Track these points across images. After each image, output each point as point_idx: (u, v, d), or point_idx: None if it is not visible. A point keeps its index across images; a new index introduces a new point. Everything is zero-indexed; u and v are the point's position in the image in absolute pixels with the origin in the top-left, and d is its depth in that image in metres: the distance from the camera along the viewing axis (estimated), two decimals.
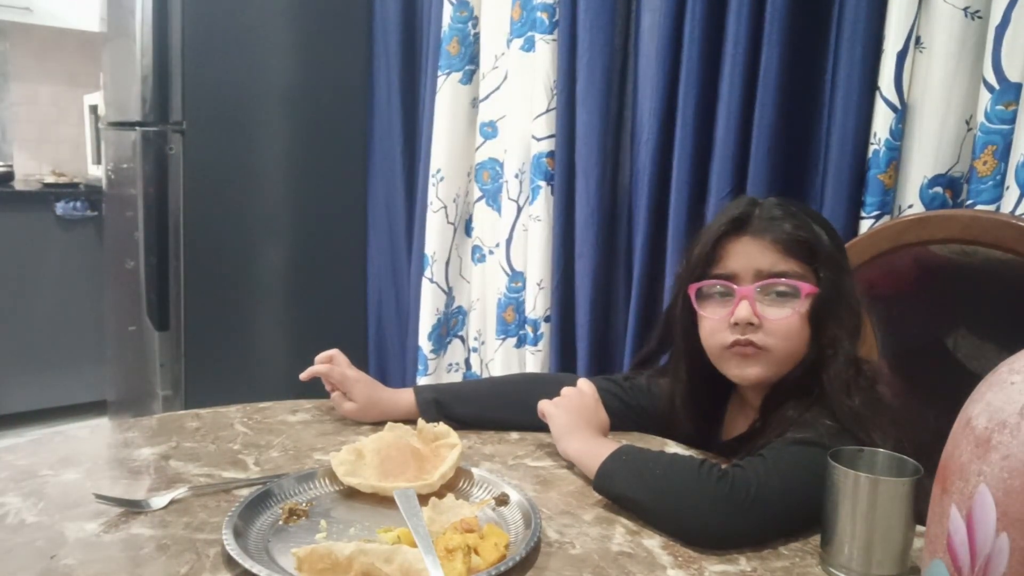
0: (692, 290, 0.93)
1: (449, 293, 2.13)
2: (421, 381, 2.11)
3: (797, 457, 0.78)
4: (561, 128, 1.79)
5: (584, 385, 0.98)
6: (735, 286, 0.89)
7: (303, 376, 1.05)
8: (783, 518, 0.76)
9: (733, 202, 0.96)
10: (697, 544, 0.73)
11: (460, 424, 0.96)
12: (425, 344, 2.10)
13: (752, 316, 0.87)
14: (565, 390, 0.98)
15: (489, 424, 1.03)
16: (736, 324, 0.88)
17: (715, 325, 0.91)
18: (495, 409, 1.05)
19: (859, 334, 0.90)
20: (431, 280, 2.09)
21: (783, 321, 0.87)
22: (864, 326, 0.94)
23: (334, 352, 1.06)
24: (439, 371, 2.14)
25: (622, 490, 0.79)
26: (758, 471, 0.76)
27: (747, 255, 0.90)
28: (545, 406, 0.96)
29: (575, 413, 0.94)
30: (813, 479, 0.72)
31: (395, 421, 0.93)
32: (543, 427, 0.96)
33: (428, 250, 2.09)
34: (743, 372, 0.91)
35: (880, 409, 0.85)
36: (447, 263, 2.10)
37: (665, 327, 1.02)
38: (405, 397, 1.04)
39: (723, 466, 0.78)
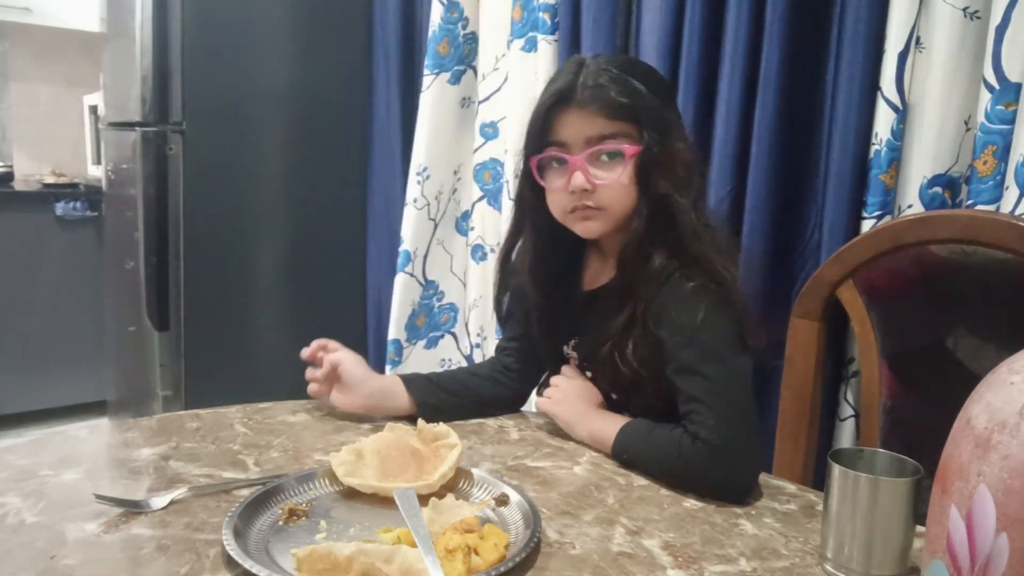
0: (533, 163, 1.00)
1: (430, 287, 2.15)
2: (391, 370, 2.14)
3: (709, 356, 0.90)
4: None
5: (567, 371, 1.05)
6: (568, 156, 0.97)
7: (306, 354, 1.07)
8: (750, 412, 0.90)
9: (559, 71, 1.02)
10: (725, 499, 0.83)
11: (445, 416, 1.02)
12: (402, 335, 2.14)
13: (585, 183, 0.96)
14: (555, 380, 1.04)
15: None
16: (573, 192, 0.97)
17: (557, 194, 0.99)
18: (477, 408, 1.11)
19: (694, 184, 0.99)
20: (410, 274, 2.12)
21: (613, 181, 0.96)
22: (701, 176, 1.05)
23: (327, 342, 1.08)
24: (417, 360, 2.17)
25: (636, 465, 0.91)
26: (712, 410, 0.87)
27: (575, 125, 0.96)
28: (545, 407, 1.02)
29: (573, 402, 1.01)
30: (730, 347, 0.92)
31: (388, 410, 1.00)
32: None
33: (410, 247, 2.12)
34: (586, 228, 1.00)
35: (723, 250, 0.99)
36: (425, 257, 2.13)
37: (517, 207, 1.09)
38: (399, 387, 1.06)
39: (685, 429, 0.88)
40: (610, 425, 0.95)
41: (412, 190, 2.10)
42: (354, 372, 1.04)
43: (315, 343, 1.07)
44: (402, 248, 2.12)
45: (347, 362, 1.04)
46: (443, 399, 1.07)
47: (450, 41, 2.02)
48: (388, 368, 2.16)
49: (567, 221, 1.01)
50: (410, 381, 1.07)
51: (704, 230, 0.98)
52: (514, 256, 1.11)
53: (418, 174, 2.08)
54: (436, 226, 2.13)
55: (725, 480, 0.84)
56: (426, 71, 2.05)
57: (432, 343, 2.21)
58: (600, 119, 0.95)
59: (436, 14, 2.02)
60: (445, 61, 2.03)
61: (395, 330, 2.14)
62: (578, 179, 0.96)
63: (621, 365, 0.98)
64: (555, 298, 1.08)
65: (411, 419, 1.01)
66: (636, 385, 0.98)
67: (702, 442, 0.85)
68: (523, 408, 1.16)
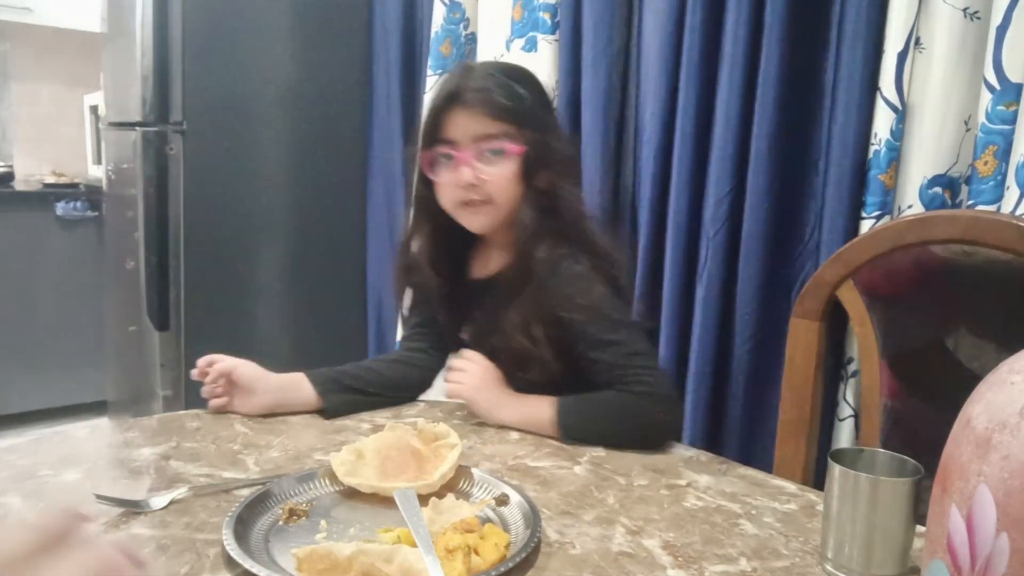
0: (424, 159, 1.08)
1: None
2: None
3: (615, 325, 1.02)
4: (563, 128, 1.79)
5: (471, 355, 1.08)
6: (456, 152, 1.05)
7: (197, 375, 1.05)
8: (657, 361, 1.05)
9: (447, 75, 1.11)
10: (668, 438, 0.98)
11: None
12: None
13: (472, 178, 1.04)
14: (460, 364, 1.07)
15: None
16: (461, 186, 1.05)
17: (446, 187, 1.07)
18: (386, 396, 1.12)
19: (575, 176, 1.13)
20: None
21: (499, 177, 1.05)
22: (578, 170, 1.16)
23: (214, 357, 1.06)
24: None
25: (588, 435, 0.98)
26: (639, 367, 0.98)
27: (463, 124, 1.05)
28: (461, 392, 1.05)
29: (487, 386, 1.05)
30: (625, 314, 1.06)
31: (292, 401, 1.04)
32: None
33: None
34: (474, 222, 1.09)
35: (604, 234, 1.10)
36: None
37: (416, 202, 1.15)
38: (303, 380, 1.07)
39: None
40: (541, 405, 1.01)
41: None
42: (251, 374, 1.04)
43: (202, 360, 1.05)
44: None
45: (240, 367, 1.04)
46: (347, 387, 1.08)
47: (452, 41, 2.02)
48: None
49: (457, 214, 1.09)
50: (313, 373, 1.08)
51: (586, 218, 1.10)
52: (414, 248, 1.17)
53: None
54: None
55: (671, 421, 0.99)
56: (429, 71, 2.04)
57: None
58: (485, 119, 1.04)
59: (438, 14, 2.02)
60: (448, 62, 2.03)
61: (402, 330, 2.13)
62: (465, 174, 1.04)
63: (516, 347, 1.04)
64: (452, 285, 1.15)
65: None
66: (525, 365, 1.04)
67: (644, 395, 0.97)
68: (429, 396, 1.18)
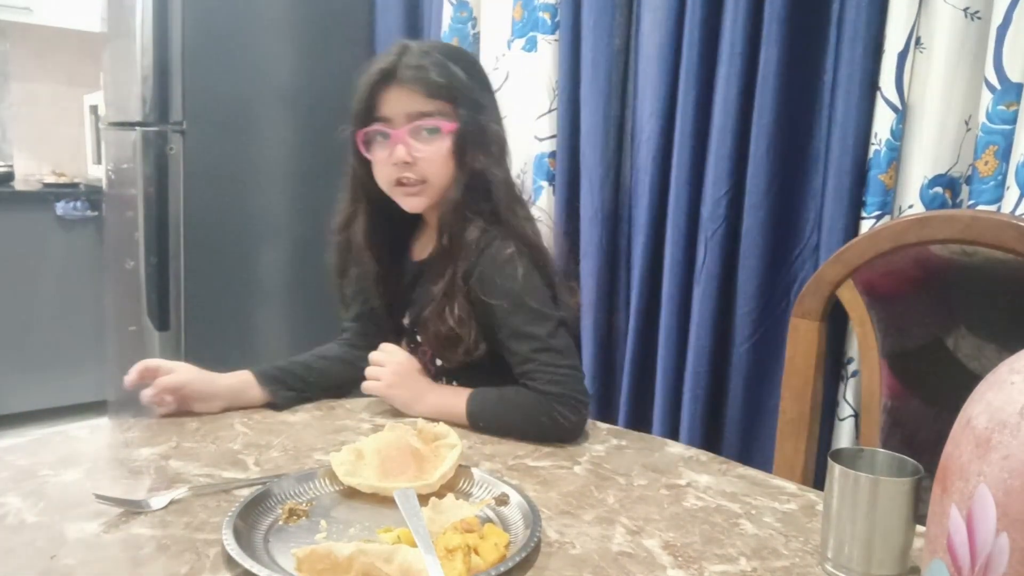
0: (359, 137, 1.08)
1: None
2: None
3: (535, 317, 1.03)
4: (563, 128, 1.79)
5: (388, 348, 1.08)
6: (391, 130, 1.05)
7: (130, 382, 1.04)
8: (574, 357, 1.04)
9: (382, 53, 1.09)
10: (572, 437, 0.99)
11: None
12: None
13: (407, 155, 1.04)
14: (377, 359, 1.06)
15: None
16: (396, 164, 1.05)
17: (381, 166, 1.07)
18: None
19: (506, 161, 1.12)
20: None
21: (433, 155, 1.05)
22: (507, 148, 1.14)
23: (148, 363, 1.05)
24: None
25: (493, 428, 0.99)
26: (547, 365, 1.00)
27: (398, 101, 1.05)
28: (379, 391, 1.05)
29: (406, 382, 1.05)
30: (548, 304, 1.04)
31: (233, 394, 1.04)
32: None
33: None
34: (411, 203, 1.09)
35: (532, 220, 1.13)
36: None
37: (351, 182, 1.15)
38: (251, 380, 1.07)
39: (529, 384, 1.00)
40: (454, 397, 1.03)
41: None
42: (201, 388, 1.03)
43: (136, 369, 1.04)
44: None
45: (191, 383, 1.03)
46: (296, 384, 1.09)
47: (460, 41, 2.02)
48: None
49: (393, 194, 1.09)
50: (261, 372, 1.08)
51: (518, 203, 1.11)
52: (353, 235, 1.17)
53: None
54: None
55: (575, 422, 0.98)
56: None
57: None
58: (420, 97, 1.04)
59: (447, 14, 2.01)
60: None
61: None
62: (400, 151, 1.04)
63: (441, 326, 1.05)
64: (390, 268, 1.16)
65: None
66: (455, 345, 1.06)
67: (550, 395, 0.98)
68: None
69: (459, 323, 1.05)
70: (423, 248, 1.16)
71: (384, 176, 1.08)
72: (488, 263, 1.05)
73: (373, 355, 1.07)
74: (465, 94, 1.07)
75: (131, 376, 1.04)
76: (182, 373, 1.04)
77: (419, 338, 1.14)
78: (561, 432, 0.98)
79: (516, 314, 1.03)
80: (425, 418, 1.00)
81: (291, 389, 1.08)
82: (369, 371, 1.06)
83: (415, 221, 1.17)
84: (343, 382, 1.15)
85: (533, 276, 1.05)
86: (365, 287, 1.18)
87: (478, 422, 1.00)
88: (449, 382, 1.11)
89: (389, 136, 1.06)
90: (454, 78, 1.06)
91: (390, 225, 1.16)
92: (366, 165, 1.10)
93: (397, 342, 1.13)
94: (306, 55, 2.27)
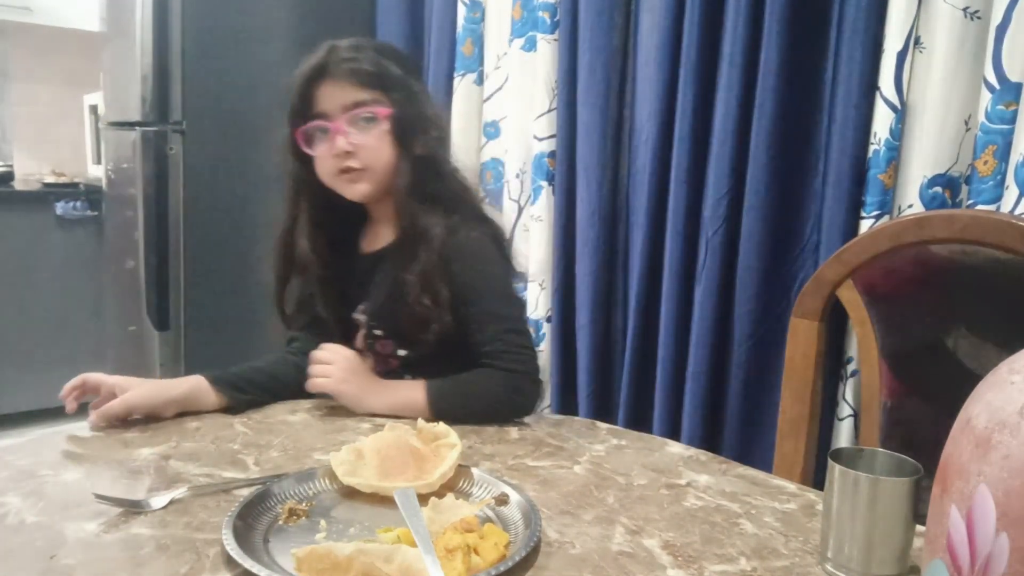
0: (299, 134, 1.11)
1: None
2: None
3: (504, 299, 1.09)
4: (562, 128, 1.79)
5: (332, 347, 1.07)
6: (329, 124, 1.08)
7: (67, 398, 1.01)
8: (530, 336, 1.10)
9: (314, 51, 1.12)
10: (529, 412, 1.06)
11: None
12: None
13: (347, 145, 1.07)
14: (322, 357, 1.06)
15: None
16: (337, 155, 1.07)
17: (323, 159, 1.10)
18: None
19: (445, 141, 1.15)
20: None
21: (372, 141, 1.08)
22: (448, 133, 1.18)
23: (84, 380, 1.02)
24: None
25: (457, 413, 1.00)
26: (515, 346, 1.06)
27: (332, 95, 1.08)
28: (328, 387, 1.04)
29: (354, 376, 1.05)
30: (512, 286, 1.11)
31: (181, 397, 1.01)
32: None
33: None
34: (354, 191, 1.11)
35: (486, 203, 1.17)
36: None
37: (291, 183, 1.17)
38: (206, 386, 1.05)
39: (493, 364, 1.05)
40: (409, 389, 1.05)
41: None
42: (149, 401, 1.00)
43: (71, 385, 1.01)
44: None
45: (135, 403, 0.99)
46: (250, 389, 1.08)
47: (474, 41, 2.01)
48: None
49: (336, 185, 1.11)
50: (215, 378, 1.06)
51: (469, 188, 1.16)
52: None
53: None
54: None
55: (533, 401, 1.06)
56: (455, 73, 2.03)
57: None
58: (353, 88, 1.08)
59: (460, 15, 2.01)
60: (470, 62, 2.01)
61: None
62: (340, 142, 1.07)
63: (417, 308, 1.07)
64: (337, 267, 1.17)
65: (416, 421, 1.02)
66: (426, 327, 1.07)
67: (515, 373, 1.04)
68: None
69: (435, 304, 1.07)
70: (373, 242, 1.18)
71: (326, 169, 1.11)
72: (460, 246, 1.08)
73: (317, 354, 1.07)
74: (397, 82, 1.10)
75: (66, 394, 1.00)
76: (130, 398, 0.98)
77: (377, 331, 1.14)
78: (522, 409, 1.05)
79: (488, 295, 1.08)
80: (377, 413, 1.03)
81: (246, 393, 1.07)
82: (316, 369, 1.06)
83: (359, 219, 1.19)
84: (299, 387, 1.12)
85: (499, 259, 1.12)
86: (311, 294, 1.18)
87: (442, 409, 1.02)
88: (407, 376, 1.12)
89: (328, 130, 1.08)
90: (383, 66, 1.10)
91: (333, 224, 1.17)
92: (307, 164, 1.13)
93: (349, 344, 1.12)
94: (306, 55, 2.26)
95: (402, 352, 1.13)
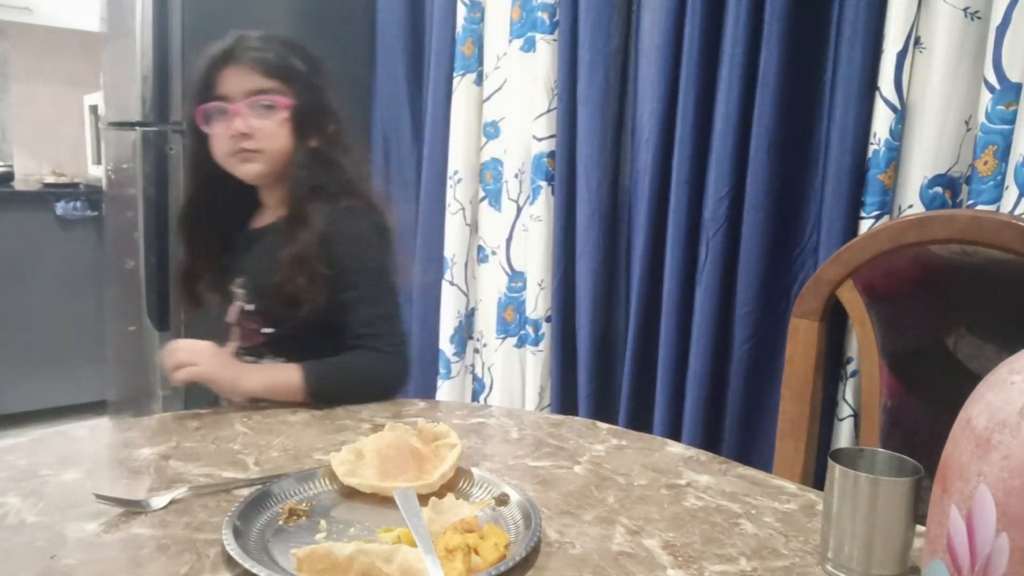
0: (198, 113, 1.15)
1: (467, 295, 2.12)
2: (442, 384, 2.11)
3: (380, 287, 1.14)
4: (562, 128, 1.79)
5: (181, 341, 1.09)
6: (229, 105, 1.12)
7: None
8: (402, 321, 1.17)
9: (223, 39, 1.17)
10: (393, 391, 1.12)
11: None
12: (447, 347, 2.10)
13: (244, 127, 1.12)
14: (185, 346, 1.08)
15: None
16: (234, 136, 1.12)
17: (220, 139, 1.14)
18: None
19: (341, 136, 1.19)
20: (451, 283, 2.08)
21: (270, 128, 1.13)
22: (347, 129, 1.22)
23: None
24: (463, 374, 2.13)
25: (332, 395, 1.06)
26: (387, 332, 1.12)
27: (236, 80, 1.13)
28: (198, 374, 1.06)
29: (222, 361, 1.09)
30: (391, 275, 1.16)
31: None
32: None
33: (448, 252, 2.08)
34: (247, 171, 1.16)
35: (380, 195, 1.21)
36: (465, 265, 2.09)
37: (190, 162, 1.23)
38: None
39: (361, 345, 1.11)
40: (283, 371, 1.08)
41: (447, 195, 2.08)
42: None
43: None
44: (444, 254, 2.09)
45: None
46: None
47: (474, 41, 2.01)
48: (440, 382, 2.13)
49: (229, 164, 1.16)
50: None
51: (365, 178, 1.21)
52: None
53: (451, 177, 2.06)
54: (471, 231, 2.09)
55: (402, 383, 1.12)
56: (454, 73, 2.03)
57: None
58: (256, 76, 1.13)
59: (460, 15, 2.01)
60: (470, 62, 2.01)
61: (444, 341, 2.11)
62: (238, 123, 1.12)
63: (290, 285, 1.10)
64: (224, 239, 1.23)
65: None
66: (298, 304, 1.10)
67: (389, 357, 1.11)
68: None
69: (309, 285, 1.10)
70: (259, 218, 1.23)
71: (222, 148, 1.15)
72: (341, 231, 1.13)
73: (174, 346, 1.08)
74: (300, 75, 1.16)
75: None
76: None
77: (249, 306, 1.18)
78: (391, 391, 1.11)
79: (365, 281, 1.13)
80: (253, 396, 1.06)
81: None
82: (180, 359, 1.06)
83: (253, 201, 1.23)
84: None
85: (381, 247, 1.17)
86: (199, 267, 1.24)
87: (318, 390, 1.06)
88: (269, 354, 1.16)
89: (227, 111, 1.13)
90: (287, 59, 1.16)
91: (227, 198, 1.22)
92: (204, 142, 1.17)
93: (222, 312, 1.21)
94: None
95: (268, 330, 1.17)
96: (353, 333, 1.12)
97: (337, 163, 1.17)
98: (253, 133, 1.13)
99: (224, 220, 1.23)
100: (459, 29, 2.01)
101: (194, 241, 1.24)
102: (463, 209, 2.05)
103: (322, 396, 1.06)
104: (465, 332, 2.13)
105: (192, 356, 1.07)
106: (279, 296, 1.12)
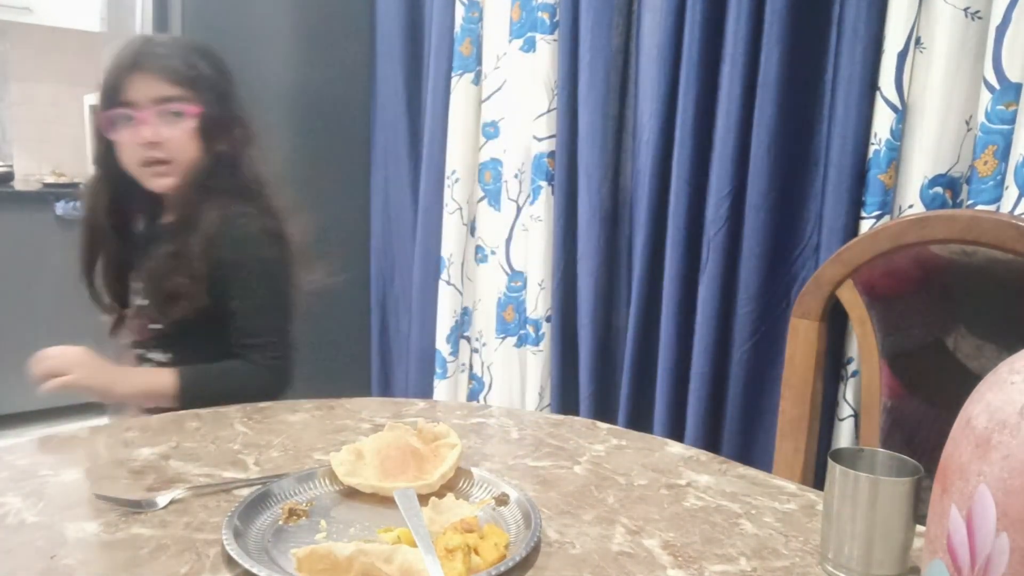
0: (104, 119, 1.14)
1: (462, 294, 2.12)
2: (438, 384, 2.11)
3: (269, 296, 1.15)
4: (562, 128, 1.79)
5: (50, 350, 1.12)
6: (136, 113, 1.12)
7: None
8: (291, 334, 1.18)
9: (128, 43, 1.16)
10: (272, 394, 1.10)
11: None
12: (444, 347, 2.10)
13: (152, 136, 1.12)
14: (56, 353, 1.10)
15: None
16: (142, 145, 1.12)
17: (127, 147, 1.14)
18: None
19: (251, 143, 1.21)
20: (448, 283, 2.08)
21: (178, 136, 1.13)
22: (253, 134, 1.22)
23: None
24: (456, 373, 2.13)
25: (205, 401, 1.03)
26: (273, 345, 1.14)
27: (143, 87, 1.12)
28: (72, 382, 1.09)
29: (95, 366, 1.11)
30: (283, 285, 1.17)
31: None
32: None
33: (445, 252, 2.08)
34: (159, 184, 1.16)
35: (281, 203, 1.22)
36: (462, 264, 2.09)
37: (97, 166, 1.21)
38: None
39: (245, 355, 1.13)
40: (157, 375, 1.13)
41: (444, 195, 2.08)
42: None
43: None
44: (441, 254, 2.09)
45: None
46: None
47: (472, 41, 2.01)
48: (436, 381, 2.12)
49: (140, 175, 1.16)
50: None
51: (268, 184, 1.21)
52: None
53: (448, 177, 2.06)
54: (468, 231, 2.10)
55: (281, 393, 1.12)
56: (452, 73, 2.03)
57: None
58: (164, 84, 1.12)
59: (459, 15, 2.01)
60: (468, 62, 2.01)
61: (440, 341, 2.11)
62: (145, 131, 1.12)
63: (167, 282, 1.12)
64: (126, 238, 1.24)
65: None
66: (177, 301, 1.12)
67: (268, 369, 1.12)
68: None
69: (191, 283, 1.11)
70: (162, 219, 1.24)
71: (130, 157, 1.15)
72: (233, 235, 1.14)
73: (43, 355, 1.10)
74: (208, 83, 1.16)
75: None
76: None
77: (141, 302, 1.20)
78: (272, 392, 1.11)
79: (255, 290, 1.14)
80: (126, 399, 1.09)
81: None
82: (50, 367, 1.08)
83: (155, 201, 1.23)
84: None
85: (276, 255, 1.17)
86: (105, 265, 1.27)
87: (190, 397, 1.08)
88: (155, 351, 1.19)
89: (134, 119, 1.12)
90: (196, 68, 1.15)
91: (131, 200, 1.23)
92: (110, 147, 1.17)
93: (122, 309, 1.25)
94: (306, 55, 2.27)
95: (155, 326, 1.18)
96: (238, 341, 1.13)
97: (239, 168, 1.18)
98: (162, 143, 1.13)
99: (127, 218, 1.24)
100: (457, 29, 2.01)
101: (96, 239, 1.25)
102: (460, 209, 2.05)
103: (193, 404, 1.05)
104: (460, 332, 2.13)
105: (62, 364, 1.08)
106: (159, 292, 1.13)
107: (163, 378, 1.10)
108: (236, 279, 1.13)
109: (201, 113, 1.15)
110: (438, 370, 2.11)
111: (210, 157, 1.16)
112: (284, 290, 1.18)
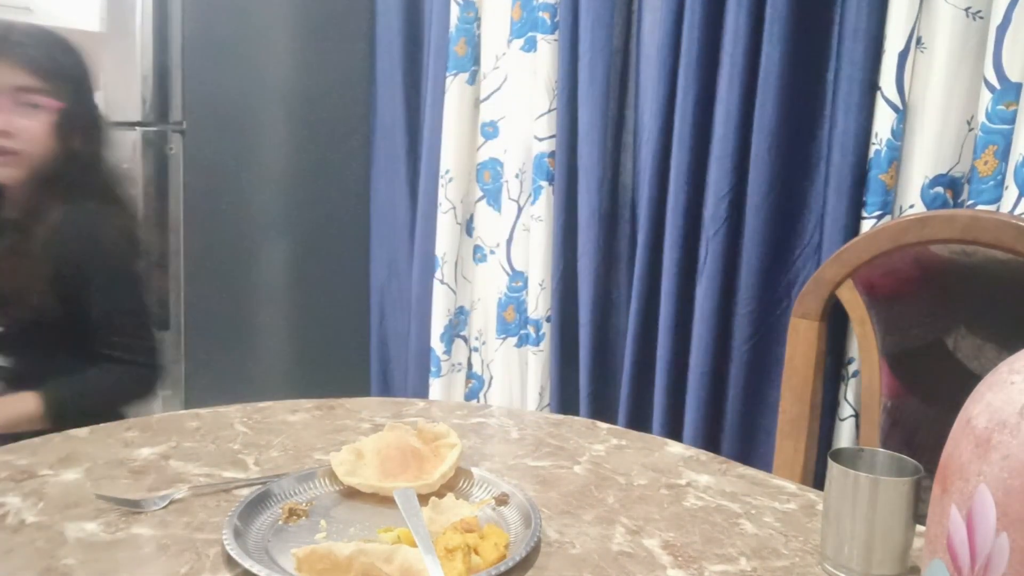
0: None
1: (456, 293, 2.12)
2: (433, 383, 2.11)
3: (131, 296, 1.14)
4: (562, 128, 1.79)
5: None
6: None
7: None
8: (153, 329, 1.17)
9: None
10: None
11: None
12: (438, 346, 2.10)
13: (3, 124, 1.08)
14: None
15: None
16: None
17: None
18: None
19: (105, 140, 1.20)
20: (441, 281, 2.08)
21: (33, 128, 1.10)
22: (110, 135, 1.23)
23: None
24: (451, 373, 2.13)
25: (76, 417, 0.97)
26: (139, 346, 1.12)
27: (1, 74, 1.09)
28: None
29: None
30: (140, 283, 1.15)
31: None
32: None
33: (439, 251, 2.08)
34: (3, 174, 1.11)
35: (132, 201, 1.23)
36: (456, 264, 2.09)
37: None
38: None
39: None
40: (22, 400, 1.07)
41: (438, 194, 2.08)
42: None
43: None
44: (435, 253, 2.09)
45: None
46: None
47: (467, 41, 2.01)
48: (431, 380, 2.13)
49: None
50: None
51: (123, 185, 1.22)
52: None
53: (442, 177, 2.06)
54: (462, 230, 2.09)
55: (152, 389, 1.13)
56: (447, 73, 2.03)
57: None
58: (23, 73, 1.09)
59: (454, 15, 2.01)
60: (463, 62, 2.01)
61: (434, 339, 2.11)
62: None
63: (5, 284, 1.09)
64: None
65: None
66: (18, 306, 1.09)
67: (139, 369, 1.12)
68: None
69: (31, 279, 1.08)
70: (6, 214, 1.20)
71: None
72: (88, 237, 1.11)
73: None
74: (68, 76, 1.14)
75: None
76: None
77: None
78: (142, 400, 1.13)
79: (114, 290, 1.12)
80: None
81: None
82: None
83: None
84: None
85: (127, 249, 1.16)
86: None
87: (59, 417, 1.04)
88: (2, 354, 1.15)
89: None
90: (55, 61, 1.13)
91: None
92: None
93: None
94: (306, 55, 2.26)
95: None
96: (104, 342, 1.10)
97: (94, 166, 1.16)
98: (14, 133, 1.09)
99: None
100: (452, 29, 2.01)
101: None
102: (454, 208, 2.05)
103: (65, 422, 0.99)
104: (454, 331, 2.13)
105: None
106: (2, 290, 1.10)
107: (25, 404, 1.06)
108: (91, 282, 1.10)
109: (61, 108, 1.12)
110: (432, 368, 2.11)
111: (64, 153, 1.13)
112: (141, 292, 1.16)
